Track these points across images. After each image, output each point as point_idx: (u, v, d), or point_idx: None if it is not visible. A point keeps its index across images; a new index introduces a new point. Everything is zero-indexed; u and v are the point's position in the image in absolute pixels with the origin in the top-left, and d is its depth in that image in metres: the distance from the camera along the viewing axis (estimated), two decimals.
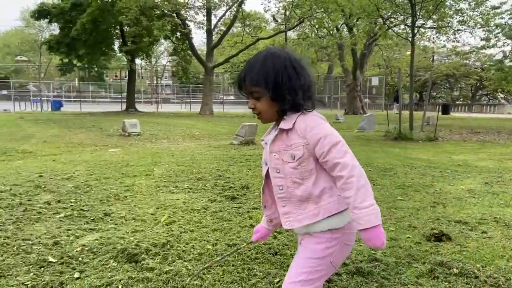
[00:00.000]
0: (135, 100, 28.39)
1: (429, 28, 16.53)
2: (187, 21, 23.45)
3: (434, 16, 13.89)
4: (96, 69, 33.25)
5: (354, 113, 26.67)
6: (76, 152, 8.64)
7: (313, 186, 1.52)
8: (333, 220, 1.52)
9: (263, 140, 1.68)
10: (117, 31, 25.44)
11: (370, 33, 21.53)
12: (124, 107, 27.33)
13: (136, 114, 23.68)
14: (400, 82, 12.85)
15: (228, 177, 5.63)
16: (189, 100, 35.68)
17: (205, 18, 24.03)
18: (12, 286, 2.41)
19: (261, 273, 2.62)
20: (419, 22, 13.59)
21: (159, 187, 5.04)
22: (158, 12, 21.19)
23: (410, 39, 12.95)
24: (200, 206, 4.21)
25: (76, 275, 2.57)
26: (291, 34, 29.45)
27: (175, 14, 22.27)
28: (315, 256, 1.55)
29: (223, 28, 25.31)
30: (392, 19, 17.12)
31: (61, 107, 28.46)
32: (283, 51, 1.60)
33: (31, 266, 2.68)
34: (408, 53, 26.14)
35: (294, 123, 1.53)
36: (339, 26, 25.05)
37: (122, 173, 5.77)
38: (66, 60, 30.00)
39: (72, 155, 8.21)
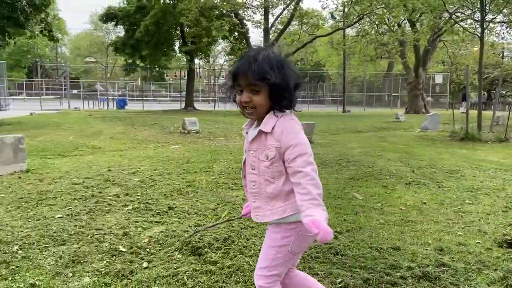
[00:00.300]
0: (194, 98, 29.25)
1: (498, 22, 15.43)
2: (244, 21, 23.76)
3: (504, 10, 12.95)
4: (157, 69, 34.71)
5: (415, 112, 25.57)
6: (140, 148, 9.07)
7: (283, 186, 1.67)
8: (296, 214, 1.66)
9: (244, 129, 1.80)
10: (177, 32, 26.35)
11: (435, 29, 20.51)
12: (183, 105, 28.27)
13: (194, 112, 24.40)
14: (468, 79, 12.11)
15: None
16: None
17: (262, 17, 24.19)
18: (88, 272, 2.59)
19: (322, 273, 2.60)
20: (488, 17, 12.73)
21: (218, 183, 5.15)
22: (217, 12, 21.67)
23: (478, 34, 12.17)
24: None
25: (145, 264, 2.71)
26: (349, 31, 28.85)
27: (233, 14, 22.65)
28: (273, 245, 1.74)
29: (280, 27, 25.33)
30: (459, 14, 16.18)
31: (125, 106, 30.00)
32: (277, 52, 1.71)
33: (104, 254, 2.86)
34: (475, 49, 24.61)
35: (273, 127, 1.64)
36: (400, 22, 24.11)
37: (184, 169, 5.97)
38: (130, 61, 31.57)
39: (136, 151, 8.63)
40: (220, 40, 31.52)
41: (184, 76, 44.11)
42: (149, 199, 4.29)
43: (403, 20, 24.07)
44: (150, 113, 22.05)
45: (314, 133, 9.99)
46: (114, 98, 32.97)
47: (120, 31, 36.33)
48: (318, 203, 1.55)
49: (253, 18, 24.08)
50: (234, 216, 3.61)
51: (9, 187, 4.81)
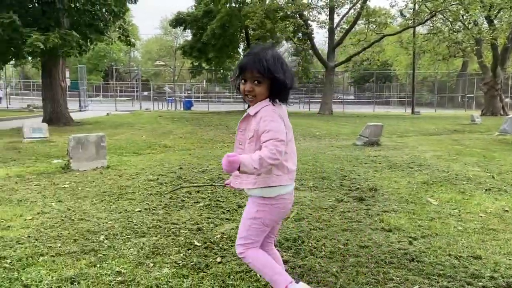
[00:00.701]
0: None
1: None
2: (309, 21, 23.61)
3: None
4: (221, 71, 35.67)
5: (492, 114, 23.81)
6: (207, 148, 9.39)
7: None
8: (267, 190, 1.99)
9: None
10: (242, 34, 26.83)
11: None
12: (246, 106, 28.70)
13: None
14: None
15: (354, 178, 5.52)
16: (307, 99, 35.85)
17: (327, 17, 23.88)
18: (167, 263, 2.73)
19: (397, 278, 2.53)
20: None
21: None
22: (282, 14, 21.75)
23: None
24: (327, 205, 4.22)
25: (218, 259, 2.81)
26: (420, 29, 27.54)
27: (297, 15, 22.59)
28: (249, 217, 2.07)
29: (346, 27, 24.83)
30: None
31: (191, 107, 31.11)
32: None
33: (180, 248, 3.00)
34: None
35: (257, 113, 1.95)
36: (477, 19, 22.58)
37: None
38: (196, 63, 32.65)
39: (204, 150, 8.94)
40: (284, 42, 31.59)
41: None
42: (219, 197, 4.43)
43: (479, 17, 22.52)
44: (215, 114, 22.67)
45: (382, 135, 9.68)
46: (181, 99, 34.29)
47: (188, 35, 37.79)
48: (255, 158, 1.79)
49: (318, 18, 23.84)
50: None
51: (93, 181, 5.21)
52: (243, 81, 1.98)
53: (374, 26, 23.52)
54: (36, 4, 11.64)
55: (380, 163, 6.70)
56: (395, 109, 36.09)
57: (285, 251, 2.95)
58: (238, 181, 2.09)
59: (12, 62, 17.59)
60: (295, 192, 4.74)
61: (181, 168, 6.11)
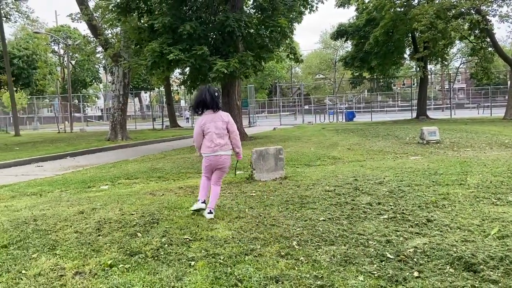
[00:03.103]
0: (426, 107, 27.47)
1: None
2: (488, 16, 20.88)
3: None
4: (384, 79, 34.42)
5: None
6: (378, 159, 9.12)
7: (227, 139, 4.47)
8: (202, 153, 4.55)
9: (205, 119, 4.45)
10: (408, 38, 25.41)
11: None
12: (414, 114, 26.93)
13: (428, 121, 22.88)
14: None
15: None
16: (488, 103, 31.58)
17: (510, 9, 20.77)
18: (362, 272, 2.76)
19: None
20: None
21: (477, 197, 4.67)
22: (454, 11, 19.82)
23: None
24: None
25: (416, 274, 2.70)
26: None
27: (474, 11, 20.28)
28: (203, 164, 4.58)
29: None
30: None
31: (354, 118, 30.77)
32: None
33: (372, 259, 2.99)
34: None
35: (222, 114, 4.44)
36: None
37: (433, 181, 5.67)
38: (356, 74, 32.23)
39: (375, 161, 8.71)
40: (457, 42, 28.68)
41: (413, 84, 42.01)
42: (403, 210, 4.26)
43: None
44: (379, 124, 21.92)
45: None
46: (343, 111, 34.25)
47: (348, 46, 37.64)
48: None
49: (500, 11, 20.91)
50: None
51: (275, 191, 5.61)
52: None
53: None
54: (218, 34, 13.29)
55: None
56: None
57: (492, 271, 2.66)
58: (218, 147, 4.43)
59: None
60: (492, 207, 4.27)
61: (356, 179, 6.08)
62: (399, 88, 61.03)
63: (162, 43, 11.93)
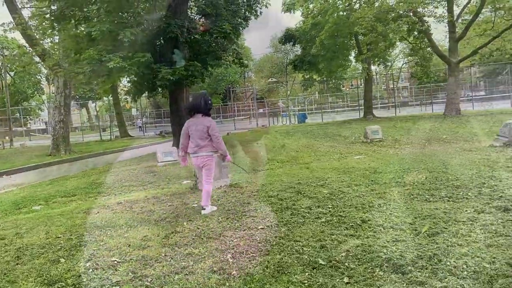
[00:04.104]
0: (372, 106, 28.39)
1: None
2: (424, 18, 21.92)
3: None
4: (333, 81, 35.31)
5: None
6: (324, 160, 9.23)
7: (208, 142, 4.93)
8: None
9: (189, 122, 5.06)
10: (352, 41, 26.19)
11: None
12: (361, 114, 27.78)
13: (374, 120, 23.66)
14: None
15: (495, 185, 4.85)
16: (430, 100, 33.20)
17: (445, 10, 21.92)
18: (293, 283, 2.69)
19: None
20: None
21: (412, 195, 4.79)
22: (393, 14, 20.64)
23: None
24: (465, 217, 3.77)
25: (346, 279, 2.67)
26: None
27: (411, 13, 21.20)
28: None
29: (468, 18, 22.44)
30: None
31: (305, 119, 31.23)
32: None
33: (305, 267, 2.94)
34: None
35: (204, 120, 4.93)
36: None
37: (372, 180, 5.78)
38: (307, 76, 32.84)
39: (321, 162, 8.81)
40: (398, 43, 29.91)
41: (360, 85, 43.36)
42: (341, 212, 4.27)
43: None
44: (329, 125, 22.36)
45: None
46: (295, 113, 34.69)
47: (297, 49, 38.29)
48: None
49: (435, 13, 22.01)
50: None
51: (218, 200, 5.49)
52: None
53: (503, 12, 20.84)
54: (162, 41, 12.98)
55: None
56: None
57: (419, 271, 2.69)
58: (199, 149, 4.97)
59: (145, 95, 19.86)
60: (425, 204, 4.38)
61: (299, 183, 6.09)
62: (347, 89, 62.80)
63: (101, 50, 11.46)
